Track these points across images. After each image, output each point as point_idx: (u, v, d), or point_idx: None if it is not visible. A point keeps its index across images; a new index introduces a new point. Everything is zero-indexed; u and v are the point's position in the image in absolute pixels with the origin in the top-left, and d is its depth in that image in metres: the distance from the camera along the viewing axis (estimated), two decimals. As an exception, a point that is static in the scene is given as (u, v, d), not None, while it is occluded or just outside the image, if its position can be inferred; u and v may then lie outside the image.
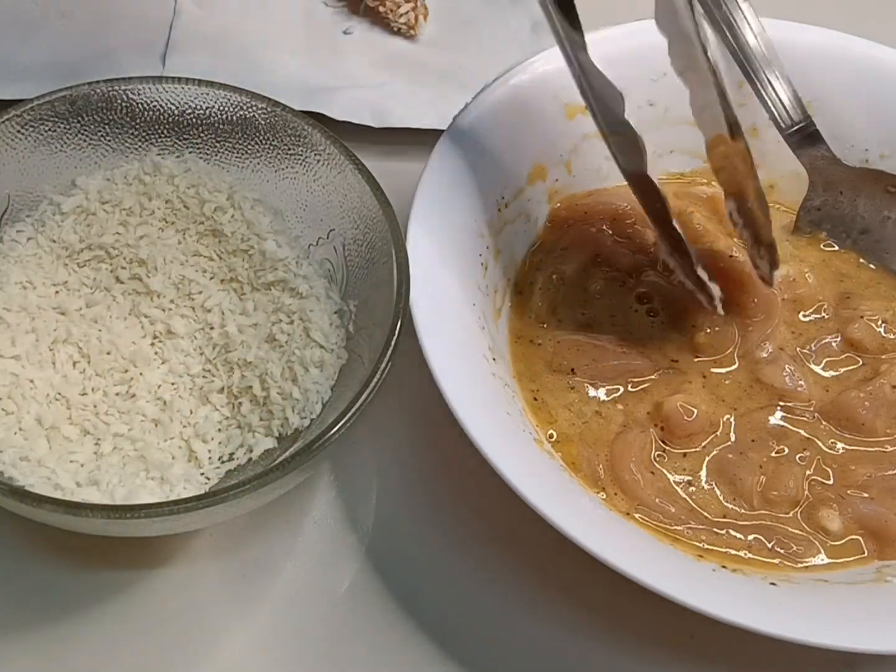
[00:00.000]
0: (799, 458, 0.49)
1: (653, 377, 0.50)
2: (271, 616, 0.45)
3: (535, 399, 0.50)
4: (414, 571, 0.47)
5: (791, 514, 0.47)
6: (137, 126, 0.50)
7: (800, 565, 0.45)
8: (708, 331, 0.51)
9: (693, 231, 0.54)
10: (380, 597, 0.46)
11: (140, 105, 0.49)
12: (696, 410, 0.48)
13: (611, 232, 0.54)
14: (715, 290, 0.49)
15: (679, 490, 0.47)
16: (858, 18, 0.63)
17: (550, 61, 0.55)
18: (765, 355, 0.51)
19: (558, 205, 0.56)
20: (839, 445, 0.49)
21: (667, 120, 0.58)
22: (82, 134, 0.49)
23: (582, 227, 0.54)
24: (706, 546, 0.45)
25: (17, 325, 0.46)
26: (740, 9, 0.58)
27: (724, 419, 0.49)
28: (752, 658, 0.45)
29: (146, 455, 0.44)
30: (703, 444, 0.48)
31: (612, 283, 0.53)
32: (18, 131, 0.47)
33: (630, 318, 0.53)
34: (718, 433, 0.49)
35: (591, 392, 0.50)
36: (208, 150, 0.51)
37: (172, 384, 0.46)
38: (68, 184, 0.50)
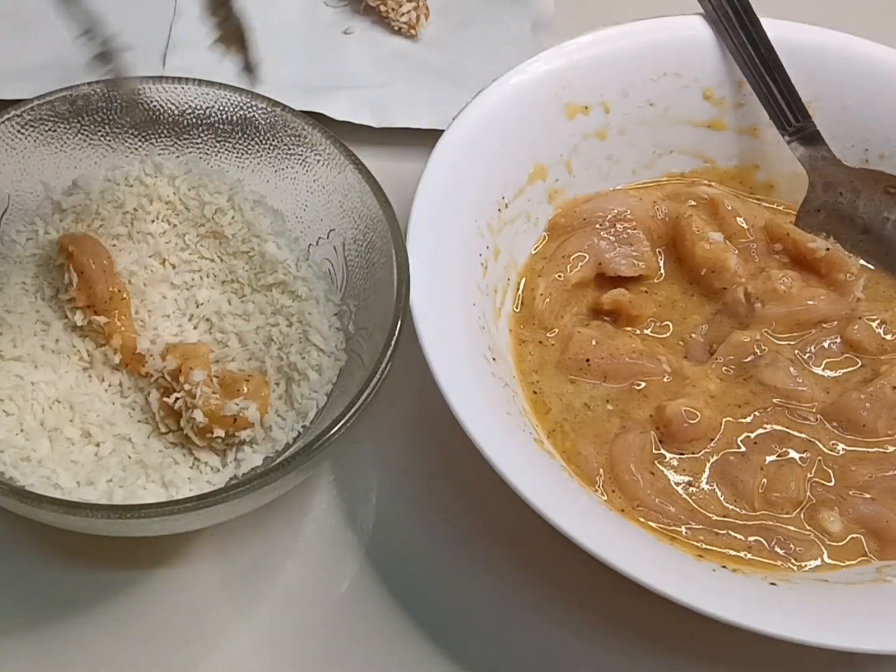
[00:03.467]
0: (800, 459, 0.49)
1: (656, 380, 0.50)
2: (271, 616, 0.45)
3: (535, 392, 0.50)
4: (414, 571, 0.47)
5: (793, 515, 0.47)
6: (137, 126, 0.50)
7: (801, 566, 0.45)
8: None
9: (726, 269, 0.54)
10: (380, 597, 0.46)
11: (139, 105, 0.49)
12: (699, 415, 0.48)
13: (612, 238, 0.54)
14: None
15: (679, 490, 0.47)
16: (858, 18, 0.63)
17: (550, 61, 0.56)
18: (765, 357, 0.51)
19: (558, 211, 0.56)
20: (840, 447, 0.49)
21: (667, 120, 0.58)
22: (82, 134, 0.49)
23: (582, 235, 0.54)
24: (705, 546, 0.45)
25: (20, 326, 0.46)
26: (741, 9, 0.58)
27: (726, 421, 0.49)
28: (752, 658, 0.45)
29: (146, 459, 0.44)
30: (705, 448, 0.48)
31: (614, 287, 0.53)
32: (18, 131, 0.47)
33: (634, 321, 0.53)
34: (720, 436, 0.49)
35: (591, 386, 0.50)
36: (208, 150, 0.51)
37: None
38: (69, 184, 0.50)
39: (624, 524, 0.45)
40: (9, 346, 0.46)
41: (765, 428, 0.49)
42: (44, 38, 0.63)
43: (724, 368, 0.51)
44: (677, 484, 0.47)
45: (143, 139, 0.50)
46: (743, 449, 0.49)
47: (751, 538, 0.46)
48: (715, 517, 0.46)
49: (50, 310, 0.47)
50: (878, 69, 0.58)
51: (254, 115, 0.49)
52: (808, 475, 0.48)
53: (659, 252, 0.55)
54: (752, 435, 0.49)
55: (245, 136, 0.50)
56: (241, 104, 0.49)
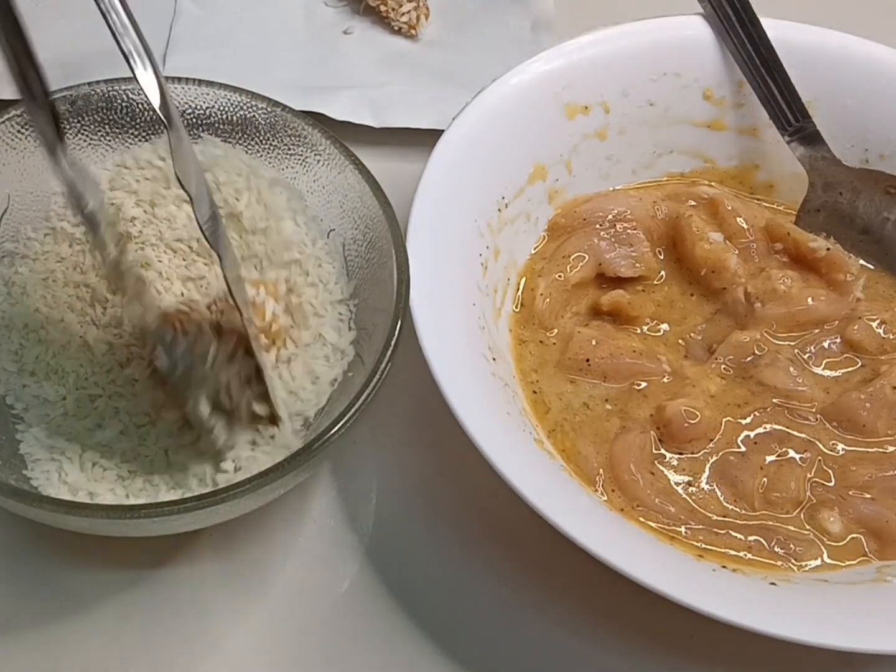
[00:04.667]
0: (800, 459, 0.49)
1: (656, 380, 0.50)
2: (271, 616, 0.45)
3: (535, 392, 0.50)
4: (414, 571, 0.47)
5: (793, 515, 0.47)
6: (137, 126, 0.50)
7: (801, 566, 0.45)
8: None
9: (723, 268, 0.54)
10: (380, 597, 0.46)
11: (140, 105, 0.49)
12: (699, 415, 0.48)
13: (612, 238, 0.54)
14: None
15: (679, 490, 0.47)
16: (858, 18, 0.63)
17: (550, 61, 0.56)
18: (765, 357, 0.51)
19: (558, 211, 0.56)
20: (840, 447, 0.49)
21: (667, 120, 0.58)
22: (82, 134, 0.49)
23: (582, 235, 0.54)
24: (705, 546, 0.45)
25: (46, 316, 0.46)
26: (741, 8, 0.58)
27: (726, 421, 0.49)
28: (752, 658, 0.45)
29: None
30: (705, 448, 0.48)
31: (613, 288, 0.54)
32: (18, 131, 0.47)
33: (633, 321, 0.53)
34: (720, 436, 0.49)
35: (590, 386, 0.50)
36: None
37: None
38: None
39: (624, 524, 0.45)
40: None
41: (765, 428, 0.49)
42: (44, 38, 0.63)
43: (723, 368, 0.51)
44: (677, 484, 0.47)
45: (142, 139, 0.50)
46: (743, 449, 0.49)
47: (751, 538, 0.46)
48: (715, 517, 0.47)
49: (77, 301, 0.48)
50: (878, 69, 0.58)
51: (254, 115, 0.49)
52: (808, 475, 0.48)
53: (659, 252, 0.55)
54: (752, 435, 0.49)
55: (245, 136, 0.50)
56: (241, 104, 0.49)
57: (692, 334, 0.53)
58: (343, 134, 0.50)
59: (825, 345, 0.52)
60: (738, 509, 0.47)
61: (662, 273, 0.55)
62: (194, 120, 0.50)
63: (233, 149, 0.50)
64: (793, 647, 0.39)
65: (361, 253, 0.48)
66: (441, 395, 0.43)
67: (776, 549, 0.45)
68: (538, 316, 0.52)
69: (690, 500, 0.47)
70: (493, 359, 0.48)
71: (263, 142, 0.50)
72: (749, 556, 0.45)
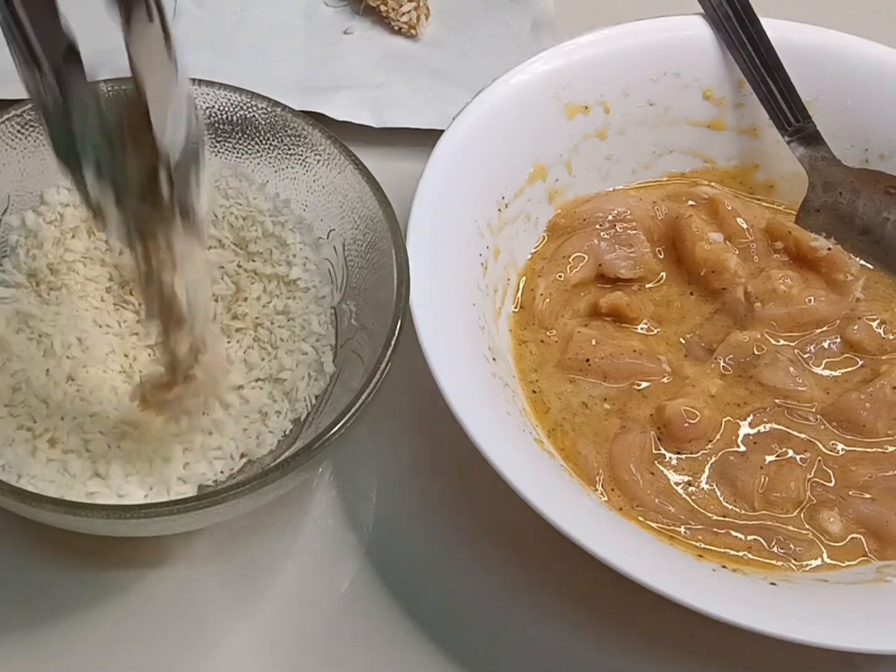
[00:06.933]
0: (800, 459, 0.49)
1: (655, 380, 0.50)
2: (271, 616, 0.45)
3: (535, 392, 0.50)
4: (414, 571, 0.47)
5: (793, 515, 0.47)
6: (137, 126, 0.50)
7: (801, 566, 0.45)
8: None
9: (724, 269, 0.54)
10: (380, 597, 0.46)
11: (140, 105, 0.49)
12: (698, 415, 0.48)
13: (611, 239, 0.54)
14: None
15: (679, 490, 0.47)
16: (858, 18, 0.63)
17: (550, 61, 0.56)
18: (765, 357, 0.51)
19: (558, 212, 0.56)
20: (839, 447, 0.49)
21: (667, 119, 0.58)
22: (82, 134, 0.49)
23: (582, 235, 0.54)
24: (704, 546, 0.45)
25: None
26: (741, 8, 0.58)
27: (725, 421, 0.49)
28: (752, 658, 0.45)
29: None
30: (705, 448, 0.48)
31: (613, 288, 0.54)
32: (18, 131, 0.47)
33: (633, 322, 0.53)
34: (719, 436, 0.49)
35: (590, 386, 0.50)
36: (208, 150, 0.51)
37: None
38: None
39: (624, 524, 0.45)
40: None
41: (765, 428, 0.49)
42: (44, 38, 0.63)
43: (723, 368, 0.51)
44: (677, 484, 0.47)
45: (142, 139, 0.50)
46: (743, 449, 0.49)
47: (750, 538, 0.46)
48: (714, 517, 0.47)
49: None
50: (878, 69, 0.58)
51: (254, 115, 0.49)
52: (808, 475, 0.48)
53: (658, 252, 0.55)
54: (752, 434, 0.49)
55: (245, 136, 0.50)
56: (241, 104, 0.49)
57: (692, 334, 0.53)
58: (343, 134, 0.50)
59: (825, 345, 0.52)
60: (737, 509, 0.47)
61: (662, 274, 0.55)
62: (194, 120, 0.50)
63: (240, 188, 0.50)
64: (793, 647, 0.39)
65: (361, 253, 0.48)
66: (441, 395, 0.43)
67: (776, 549, 0.45)
68: (538, 316, 0.52)
69: (690, 500, 0.47)
70: (493, 359, 0.48)
71: (263, 142, 0.50)
72: (749, 556, 0.45)
